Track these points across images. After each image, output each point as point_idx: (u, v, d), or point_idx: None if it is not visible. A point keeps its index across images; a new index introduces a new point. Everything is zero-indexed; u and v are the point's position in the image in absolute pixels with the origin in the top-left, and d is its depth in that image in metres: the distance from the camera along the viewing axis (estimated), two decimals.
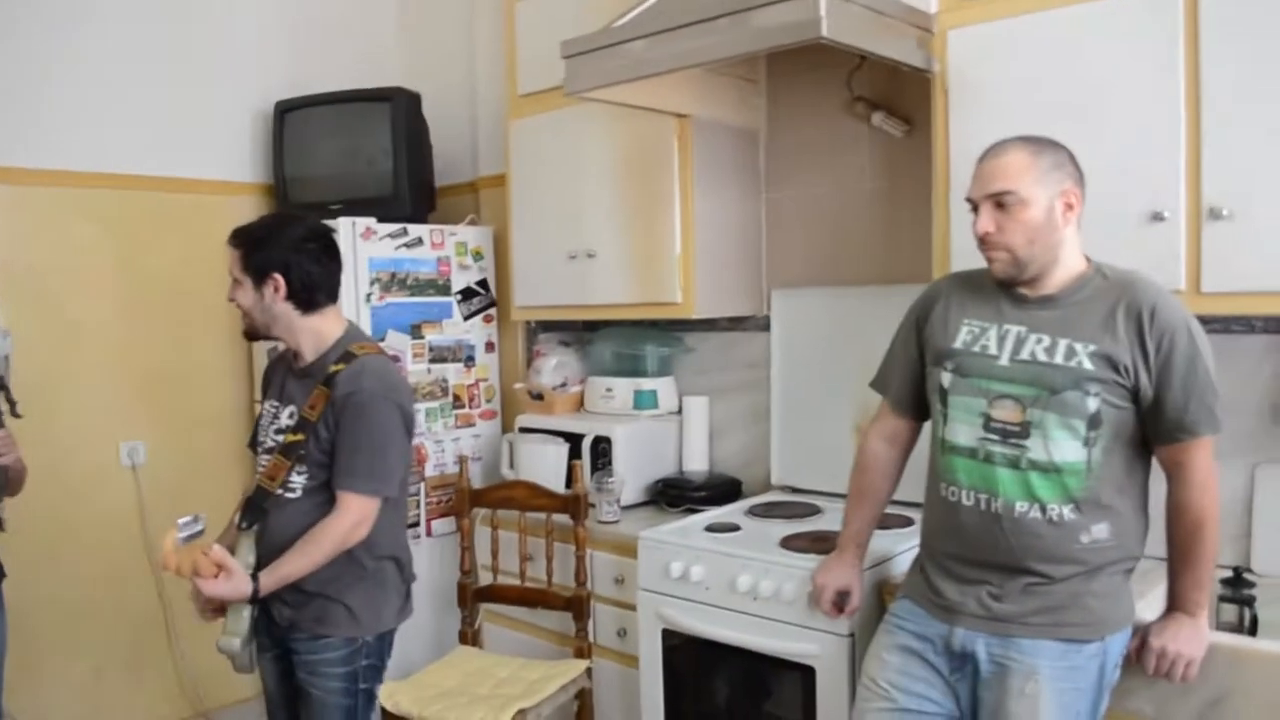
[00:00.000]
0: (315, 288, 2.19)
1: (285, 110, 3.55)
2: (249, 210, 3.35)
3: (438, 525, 3.37)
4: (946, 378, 1.87)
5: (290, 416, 2.20)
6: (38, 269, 3.20)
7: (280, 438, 2.19)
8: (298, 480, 2.16)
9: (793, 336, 3.01)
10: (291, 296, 2.17)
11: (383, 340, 3.20)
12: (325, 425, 2.13)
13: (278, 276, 2.15)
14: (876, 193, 2.83)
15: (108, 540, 3.31)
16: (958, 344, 1.87)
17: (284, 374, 2.29)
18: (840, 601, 2.13)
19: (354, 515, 2.11)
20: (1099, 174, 1.86)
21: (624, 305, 3.03)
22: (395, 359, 3.20)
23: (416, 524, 3.31)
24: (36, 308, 3.21)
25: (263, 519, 2.16)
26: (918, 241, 2.48)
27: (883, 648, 1.94)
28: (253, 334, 2.26)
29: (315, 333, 2.22)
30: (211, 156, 3.58)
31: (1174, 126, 1.96)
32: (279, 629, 2.21)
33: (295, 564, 2.09)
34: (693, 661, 2.52)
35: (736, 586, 2.34)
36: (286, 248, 2.16)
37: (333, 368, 2.15)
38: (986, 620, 1.79)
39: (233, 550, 2.16)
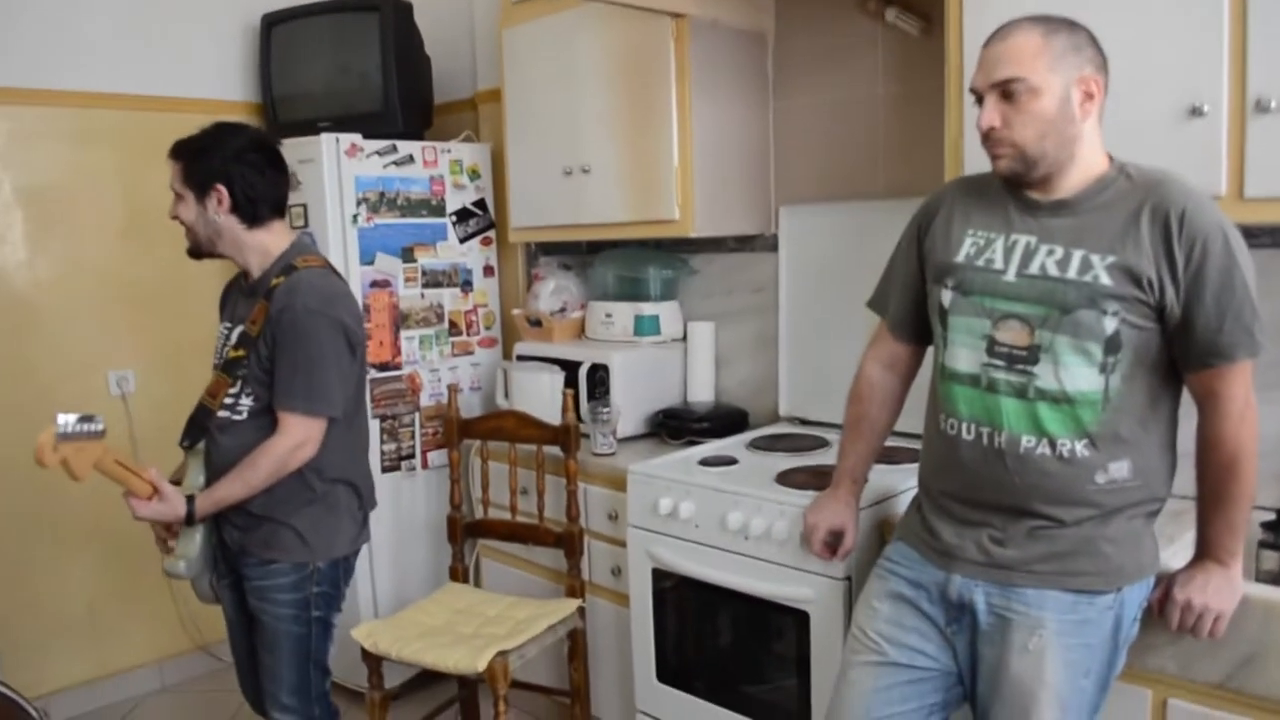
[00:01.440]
0: (259, 199, 2.09)
1: (272, 23, 3.37)
2: None
3: (434, 457, 3.23)
4: (947, 296, 1.66)
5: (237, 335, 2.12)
6: (21, 191, 3.10)
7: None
8: (245, 403, 2.08)
9: (803, 257, 2.78)
10: (236, 209, 2.08)
11: (371, 264, 3.04)
12: (265, 342, 2.04)
13: (220, 188, 2.06)
14: (894, 98, 2.58)
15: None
16: (960, 258, 1.65)
17: (236, 294, 2.21)
18: (833, 542, 1.95)
19: (294, 436, 2.03)
20: (1127, 60, 1.63)
21: (620, 224, 2.82)
22: (386, 283, 3.06)
23: (412, 455, 3.18)
24: (22, 232, 3.11)
25: (203, 437, 2.10)
26: (938, 151, 2.24)
27: (873, 594, 1.76)
28: (196, 251, 2.17)
29: (261, 248, 2.13)
30: (199, 74, 3.45)
31: (1215, 5, 1.69)
32: (231, 554, 2.16)
33: (231, 487, 2.03)
34: (684, 603, 2.37)
35: (727, 524, 2.18)
36: (228, 158, 2.06)
37: (273, 281, 2.07)
38: (986, 567, 1.61)
39: (183, 471, 2.11)
